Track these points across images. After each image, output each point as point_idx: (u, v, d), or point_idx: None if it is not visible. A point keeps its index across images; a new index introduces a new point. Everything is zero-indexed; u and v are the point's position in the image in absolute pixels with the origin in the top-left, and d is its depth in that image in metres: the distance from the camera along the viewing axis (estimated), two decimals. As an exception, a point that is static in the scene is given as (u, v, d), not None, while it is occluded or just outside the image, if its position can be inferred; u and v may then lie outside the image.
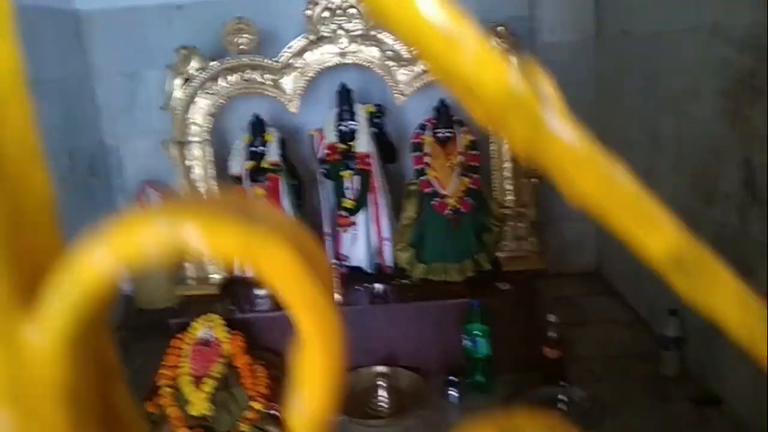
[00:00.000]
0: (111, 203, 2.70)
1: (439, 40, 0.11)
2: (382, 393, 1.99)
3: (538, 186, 2.32)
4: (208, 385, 1.80)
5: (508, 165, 2.33)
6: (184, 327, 1.98)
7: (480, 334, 2.02)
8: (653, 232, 0.13)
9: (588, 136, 0.14)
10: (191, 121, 2.24)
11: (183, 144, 2.26)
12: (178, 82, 2.19)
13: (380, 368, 2.09)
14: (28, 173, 0.12)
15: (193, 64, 2.19)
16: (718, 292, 0.14)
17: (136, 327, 2.49)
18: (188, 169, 2.29)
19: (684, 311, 1.98)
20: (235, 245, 0.12)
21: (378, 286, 2.25)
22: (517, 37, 2.34)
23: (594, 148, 0.13)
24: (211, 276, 2.34)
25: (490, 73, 0.12)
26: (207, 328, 1.95)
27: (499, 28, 2.24)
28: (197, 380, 1.83)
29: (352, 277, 2.31)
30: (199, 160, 2.28)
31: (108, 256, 0.12)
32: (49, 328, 0.11)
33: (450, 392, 2.01)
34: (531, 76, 0.13)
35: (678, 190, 2.04)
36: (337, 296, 2.20)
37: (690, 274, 0.14)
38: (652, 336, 2.23)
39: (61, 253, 0.13)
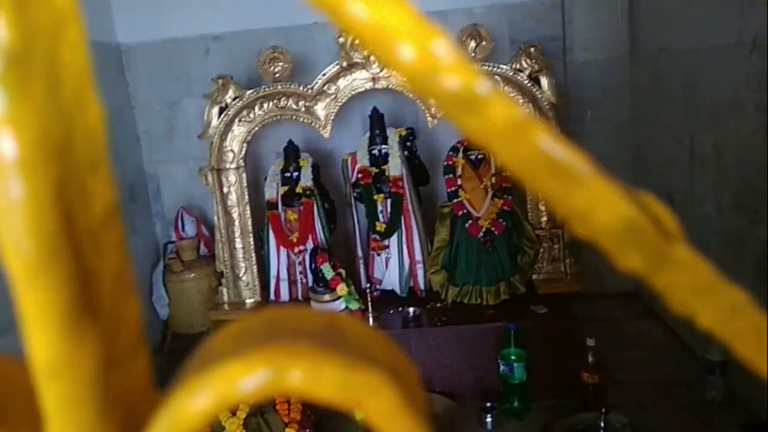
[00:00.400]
0: (149, 228, 2.77)
1: (556, 173, 0.11)
2: (417, 419, 1.96)
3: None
4: (243, 411, 1.81)
5: (542, 186, 2.30)
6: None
7: (516, 358, 1.99)
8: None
9: (709, 266, 0.14)
10: (227, 148, 2.29)
11: (219, 170, 2.31)
12: (215, 110, 2.25)
13: (415, 393, 2.07)
14: (122, 304, 0.12)
15: (230, 93, 2.25)
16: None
17: (172, 351, 2.53)
18: (224, 195, 2.33)
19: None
20: (338, 392, 0.12)
21: (411, 310, 2.23)
22: (550, 56, 2.33)
23: (717, 278, 0.13)
24: (246, 301, 2.36)
25: (607, 208, 0.12)
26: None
27: (531, 49, 2.23)
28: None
29: (384, 300, 2.31)
30: (234, 186, 2.33)
31: (209, 402, 0.12)
32: None
33: (486, 418, 1.97)
34: (648, 208, 0.12)
35: (720, 208, 1.98)
36: (369, 320, 2.20)
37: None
38: (695, 360, 2.15)
39: (150, 391, 0.13)
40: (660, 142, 2.41)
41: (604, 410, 1.87)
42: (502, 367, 2.01)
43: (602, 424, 1.84)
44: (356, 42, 2.21)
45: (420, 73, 0.11)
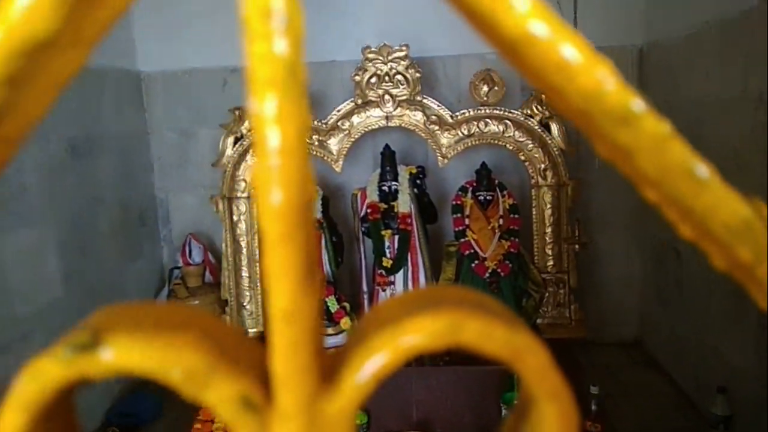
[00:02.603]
0: (156, 252, 2.77)
1: (689, 178, 0.13)
2: (416, 460, 1.93)
3: (579, 252, 2.30)
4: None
5: (549, 230, 2.32)
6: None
7: (519, 403, 1.96)
8: None
9: None
10: (240, 177, 2.32)
11: (231, 199, 2.33)
12: (230, 140, 2.29)
13: (414, 434, 2.04)
14: (317, 271, 0.15)
15: (246, 124, 2.29)
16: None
17: (172, 378, 2.49)
18: (234, 224, 2.35)
19: (733, 389, 1.89)
20: (503, 347, 0.14)
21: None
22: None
23: None
24: (249, 330, 2.35)
25: (727, 208, 0.14)
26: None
27: (542, 95, 2.28)
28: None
29: (388, 337, 2.30)
30: (244, 215, 2.35)
31: (405, 343, 0.14)
32: (346, 403, 0.14)
33: (486, 463, 1.94)
34: (760, 210, 0.15)
35: (726, 261, 1.99)
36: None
37: None
38: (697, 413, 2.12)
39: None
40: (667, 192, 2.44)
41: (607, 460, 1.84)
42: (504, 412, 1.98)
43: (605, 475, 1.81)
44: (372, 81, 2.27)
45: (593, 95, 0.13)
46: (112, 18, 0.15)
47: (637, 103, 0.14)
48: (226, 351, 0.14)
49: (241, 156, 2.31)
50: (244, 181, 2.33)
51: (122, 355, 0.14)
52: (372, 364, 0.14)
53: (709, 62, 2.06)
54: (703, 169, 0.15)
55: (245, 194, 2.34)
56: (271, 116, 0.13)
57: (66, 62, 0.14)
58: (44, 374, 0.14)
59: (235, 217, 2.34)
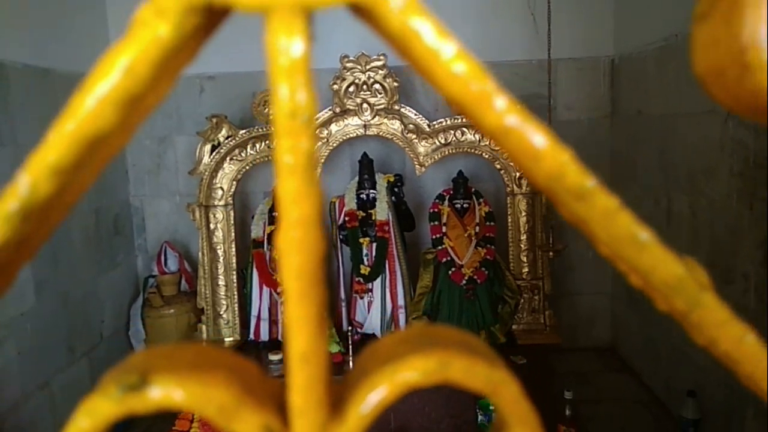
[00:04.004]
0: (130, 261, 2.74)
1: (632, 243, 0.16)
2: (394, 467, 1.94)
3: (553, 259, 2.34)
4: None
5: (524, 237, 2.37)
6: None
7: (494, 409, 1.99)
8: None
9: (725, 305, 0.19)
10: (217, 185, 2.32)
11: (207, 207, 2.32)
12: (207, 148, 2.28)
13: (392, 440, 2.05)
14: (323, 272, 0.17)
15: (223, 132, 2.29)
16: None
17: (147, 387, 2.47)
18: (210, 232, 2.34)
19: (702, 392, 1.95)
20: (483, 382, 0.17)
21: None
22: (534, 113, 2.43)
23: (730, 315, 0.18)
24: (225, 339, 2.34)
25: (664, 268, 0.16)
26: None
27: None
28: (207, 446, 1.80)
29: (365, 344, 2.29)
30: (221, 223, 2.34)
31: (400, 380, 0.16)
32: (352, 430, 0.17)
33: (463, 469, 1.96)
34: (691, 268, 0.17)
35: (694, 268, 2.05)
36: (350, 364, 2.19)
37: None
38: (668, 416, 2.18)
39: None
40: (638, 201, 2.51)
41: (580, 464, 1.88)
42: (480, 417, 2.01)
43: (579, 478, 1.85)
44: (350, 90, 2.29)
45: (555, 176, 0.16)
46: (157, 102, 0.16)
47: (592, 183, 0.17)
48: (250, 386, 0.16)
49: (218, 164, 2.31)
50: (221, 189, 2.32)
51: (168, 394, 0.16)
52: (374, 397, 0.16)
53: (679, 75, 2.13)
54: (645, 235, 0.18)
55: (222, 202, 2.33)
56: (293, 196, 0.15)
57: (114, 147, 0.16)
58: (98, 411, 0.16)
59: (211, 225, 2.34)
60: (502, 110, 0.16)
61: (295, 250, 0.15)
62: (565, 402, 1.98)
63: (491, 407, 1.99)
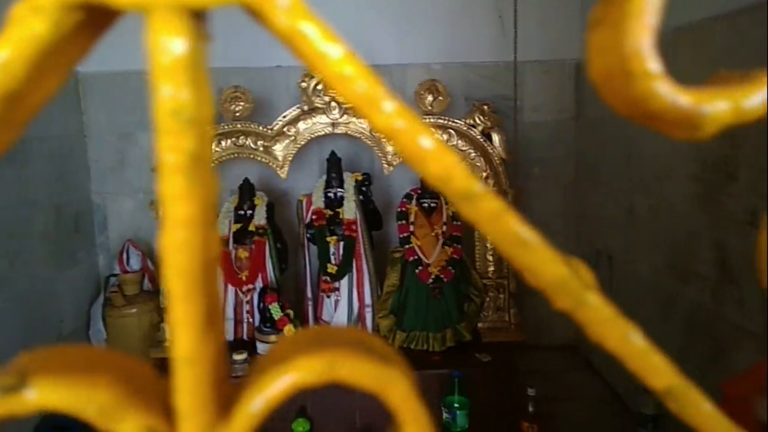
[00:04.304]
0: (92, 260, 2.68)
1: (519, 244, 0.16)
2: (359, 465, 1.94)
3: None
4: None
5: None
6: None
7: (459, 406, 2.01)
8: (652, 372, 0.19)
9: (611, 304, 0.20)
10: (181, 182, 2.28)
11: (171, 204, 2.29)
12: (171, 144, 2.24)
13: (357, 439, 2.05)
14: (220, 319, 0.17)
15: (188, 128, 2.25)
16: (699, 414, 0.19)
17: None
18: (174, 229, 2.30)
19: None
20: (371, 381, 0.17)
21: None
22: (501, 114, 2.46)
23: (616, 314, 0.19)
24: (189, 338, 2.31)
25: (549, 268, 0.17)
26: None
27: (485, 106, 2.35)
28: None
29: (332, 343, 2.30)
30: (186, 221, 2.31)
31: (286, 386, 0.16)
32: (239, 431, 0.16)
33: (428, 466, 1.97)
34: (575, 268, 0.18)
35: (655, 267, 2.11)
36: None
37: (679, 401, 0.19)
38: (629, 413, 2.23)
39: (228, 383, 0.17)
40: (601, 202, 2.56)
41: (542, 460, 1.91)
42: (445, 415, 2.03)
43: (540, 475, 1.88)
44: (318, 87, 2.28)
45: (443, 179, 0.17)
46: (44, 99, 0.16)
47: (478, 186, 0.17)
48: (137, 388, 0.16)
49: (184, 161, 2.27)
50: (186, 186, 2.29)
51: (44, 395, 0.15)
52: (261, 397, 0.16)
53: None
54: (530, 236, 0.18)
55: (187, 200, 2.30)
56: (176, 196, 0.15)
57: (1, 143, 0.15)
58: None
59: (176, 223, 2.30)
60: (390, 114, 0.16)
61: (178, 250, 0.15)
62: (529, 399, 2.01)
63: (456, 405, 2.01)
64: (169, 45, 0.14)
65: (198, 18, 0.14)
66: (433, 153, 0.16)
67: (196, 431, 0.16)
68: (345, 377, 0.18)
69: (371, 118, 0.16)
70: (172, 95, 0.14)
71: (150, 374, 0.18)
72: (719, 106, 0.17)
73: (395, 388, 0.18)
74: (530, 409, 2.00)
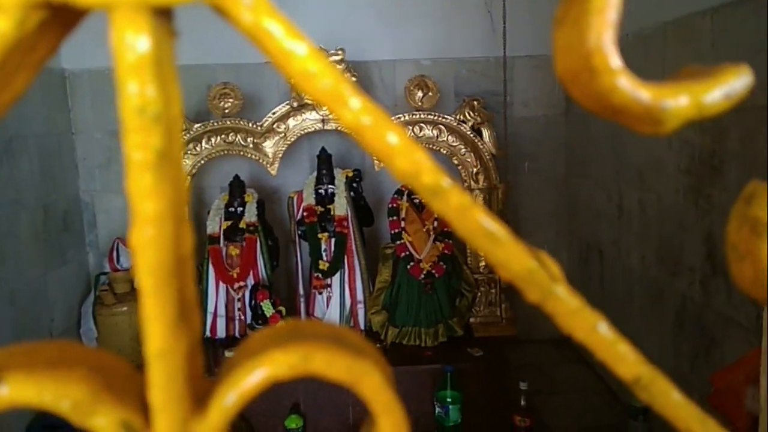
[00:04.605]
0: (81, 258, 2.67)
1: (487, 238, 0.17)
2: (352, 461, 1.95)
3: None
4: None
5: (481, 232, 2.40)
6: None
7: (451, 401, 2.02)
8: (620, 362, 0.19)
9: (577, 296, 0.20)
10: (171, 179, 2.27)
11: (161, 202, 2.28)
12: (160, 141, 2.23)
13: (350, 435, 2.06)
14: (195, 314, 0.17)
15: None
16: (669, 404, 0.20)
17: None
18: (165, 227, 2.29)
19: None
20: (345, 373, 0.17)
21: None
22: (491, 110, 2.47)
23: (582, 305, 0.19)
24: (181, 335, 2.30)
25: (517, 261, 0.17)
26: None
27: (475, 102, 2.35)
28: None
29: (324, 339, 2.30)
30: (176, 219, 2.30)
31: (260, 379, 0.16)
32: (215, 424, 0.17)
33: (420, 461, 1.98)
34: (542, 261, 0.18)
35: (645, 260, 2.12)
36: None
37: (648, 391, 0.19)
38: (620, 405, 2.25)
39: (203, 377, 0.18)
40: (591, 196, 2.57)
41: (534, 453, 1.92)
42: (437, 410, 2.04)
43: (532, 467, 1.89)
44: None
45: (411, 174, 0.18)
46: (15, 96, 0.16)
47: (445, 180, 0.18)
48: (112, 383, 0.16)
49: (173, 158, 2.26)
50: (176, 184, 2.28)
51: (17, 390, 0.15)
52: (235, 391, 0.17)
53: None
54: (498, 231, 0.19)
55: (177, 197, 2.28)
56: (144, 192, 0.15)
57: None
58: None
59: (166, 221, 2.29)
60: (357, 110, 0.16)
61: (147, 247, 0.15)
62: (521, 393, 2.02)
63: (448, 399, 2.02)
64: (133, 42, 0.14)
65: (163, 15, 0.15)
66: (401, 149, 0.17)
67: (171, 425, 0.16)
68: (318, 370, 0.18)
69: (338, 115, 0.16)
70: (137, 92, 0.15)
71: (126, 369, 0.18)
72: (681, 101, 0.17)
73: (369, 379, 0.18)
74: (522, 402, 2.02)
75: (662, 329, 1.98)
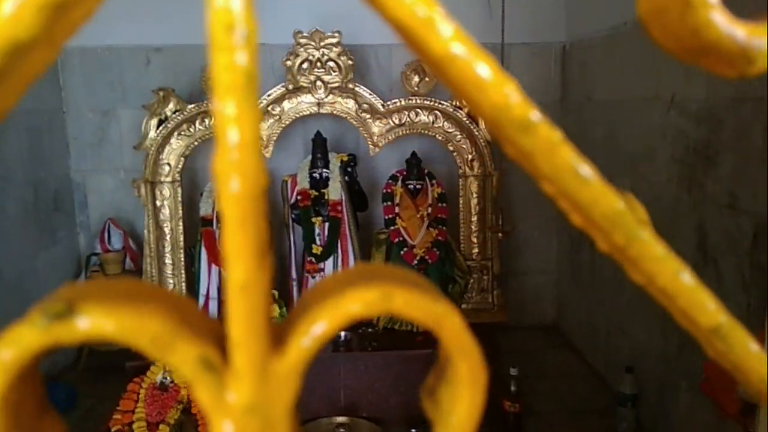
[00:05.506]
0: (72, 238, 2.64)
1: (574, 177, 0.16)
2: (343, 444, 1.96)
3: (502, 240, 2.39)
4: (164, 432, 1.75)
5: (474, 219, 2.40)
6: (140, 370, 1.92)
7: (443, 385, 2.03)
8: (701, 310, 0.20)
9: (666, 247, 0.19)
10: (164, 161, 2.25)
11: (153, 183, 2.26)
12: (153, 122, 2.21)
13: (340, 419, 2.06)
14: (263, 204, 0.17)
15: (171, 106, 2.22)
16: (747, 354, 0.19)
17: (88, 369, 2.40)
18: (157, 209, 2.28)
19: (639, 369, 2.04)
20: (425, 314, 0.18)
21: (342, 334, 2.24)
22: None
23: (668, 251, 0.19)
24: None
25: (604, 201, 0.17)
26: (165, 372, 1.90)
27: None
28: (152, 426, 1.77)
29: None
30: (168, 200, 2.28)
31: (340, 312, 0.16)
32: (293, 363, 0.17)
33: (411, 444, 1.99)
34: (630, 204, 0.18)
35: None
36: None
37: (726, 340, 0.19)
38: (608, 391, 2.27)
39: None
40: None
41: (524, 437, 1.94)
42: (429, 394, 2.05)
43: (522, 451, 1.91)
44: (304, 66, 2.25)
45: (501, 108, 0.17)
46: (84, 18, 0.15)
47: (535, 114, 0.17)
48: (187, 319, 0.16)
49: (165, 139, 2.24)
50: (168, 165, 2.26)
51: (97, 322, 0.15)
52: (316, 329, 0.16)
53: (626, 62, 2.19)
54: (586, 170, 0.18)
55: (169, 178, 2.27)
56: (231, 117, 0.14)
57: (39, 60, 0.15)
58: (22, 341, 0.15)
59: (158, 202, 2.27)
60: (448, 37, 0.16)
61: (234, 173, 0.15)
62: (511, 378, 2.04)
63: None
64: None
65: None
66: (492, 81, 0.16)
67: (251, 360, 0.16)
68: (399, 309, 0.17)
69: (426, 44, 0.16)
70: (226, 6, 0.14)
71: (197, 310, 0.18)
72: (777, 40, 0.17)
73: (448, 321, 0.18)
74: (512, 388, 2.03)
75: (651, 316, 2.00)
